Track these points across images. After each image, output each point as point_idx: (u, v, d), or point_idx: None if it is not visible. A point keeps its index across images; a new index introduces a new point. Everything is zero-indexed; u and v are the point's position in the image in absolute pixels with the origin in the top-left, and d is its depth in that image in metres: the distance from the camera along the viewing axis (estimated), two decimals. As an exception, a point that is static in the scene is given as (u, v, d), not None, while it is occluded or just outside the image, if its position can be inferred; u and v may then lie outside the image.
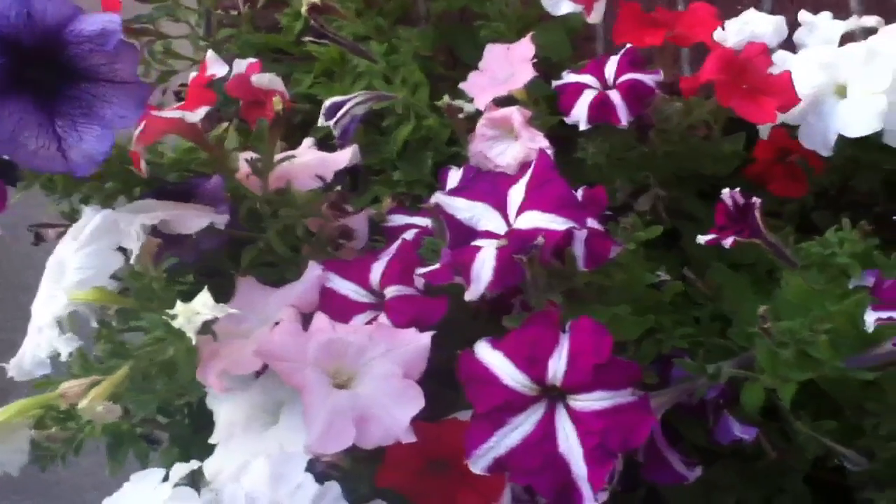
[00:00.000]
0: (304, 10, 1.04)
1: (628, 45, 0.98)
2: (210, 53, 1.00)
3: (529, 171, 0.82)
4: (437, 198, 0.83)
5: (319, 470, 0.77)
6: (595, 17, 1.04)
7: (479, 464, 0.72)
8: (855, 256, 0.85)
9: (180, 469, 0.77)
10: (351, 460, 0.80)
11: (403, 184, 1.11)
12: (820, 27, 1.12)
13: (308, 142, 1.03)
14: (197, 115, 0.90)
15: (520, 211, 0.80)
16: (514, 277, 0.76)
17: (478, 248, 0.78)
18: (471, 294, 0.75)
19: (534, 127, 0.96)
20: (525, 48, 0.99)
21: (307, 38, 1.10)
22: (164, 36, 1.25)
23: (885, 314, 0.74)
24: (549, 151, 0.93)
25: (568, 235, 0.77)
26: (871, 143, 1.06)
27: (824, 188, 1.27)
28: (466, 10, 1.21)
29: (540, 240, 0.75)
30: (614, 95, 0.94)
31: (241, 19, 1.24)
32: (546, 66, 1.14)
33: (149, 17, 1.23)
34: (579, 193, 0.91)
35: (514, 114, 0.96)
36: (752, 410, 0.86)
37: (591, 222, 0.86)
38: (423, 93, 1.12)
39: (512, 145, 0.97)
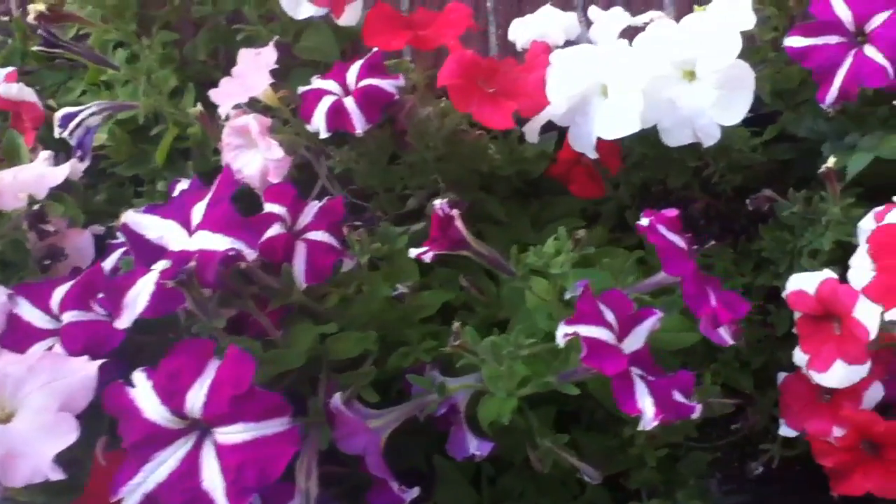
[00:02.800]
0: (31, 18, 0.98)
1: (374, 49, 0.92)
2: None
3: (213, 188, 0.76)
4: (127, 217, 0.78)
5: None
6: (347, 18, 0.98)
7: (128, 501, 0.67)
8: (579, 264, 0.80)
9: None
10: (37, 492, 0.74)
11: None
12: (607, 23, 1.07)
13: (44, 154, 0.97)
14: None
15: (196, 230, 0.74)
16: (174, 303, 0.71)
17: (143, 272, 0.72)
18: (120, 322, 0.70)
19: (271, 136, 0.90)
20: (267, 54, 0.94)
21: (37, 48, 1.04)
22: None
23: (571, 329, 0.69)
24: (283, 162, 0.88)
25: (230, 257, 0.72)
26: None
27: (645, 185, 1.23)
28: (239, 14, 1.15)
29: (192, 263, 0.69)
30: (349, 102, 0.89)
31: (14, 26, 1.18)
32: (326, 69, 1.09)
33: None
34: (317, 206, 0.86)
35: (251, 122, 0.91)
36: (486, 425, 0.81)
37: (321, 235, 0.81)
38: (188, 99, 1.06)
39: (256, 155, 0.92)
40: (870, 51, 0.96)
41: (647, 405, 0.68)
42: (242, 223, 0.73)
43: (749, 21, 1.01)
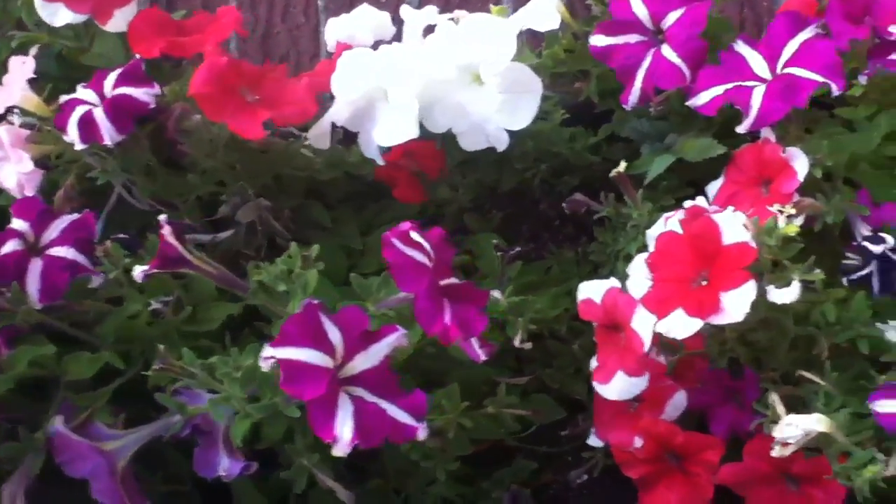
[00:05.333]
0: None
1: (136, 57, 0.89)
2: None
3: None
4: None
5: None
6: (115, 24, 0.95)
7: None
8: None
9: None
10: None
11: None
12: (417, 23, 1.04)
13: None
14: None
15: None
16: None
17: None
18: None
19: (28, 147, 0.88)
20: (29, 61, 0.91)
21: None
22: None
23: (270, 352, 0.66)
24: (34, 175, 0.85)
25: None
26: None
27: (488, 187, 1.21)
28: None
29: None
30: (98, 112, 0.86)
31: None
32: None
33: None
34: (67, 220, 0.84)
35: (2, 133, 0.88)
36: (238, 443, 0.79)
37: (63, 251, 0.79)
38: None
39: (13, 168, 0.89)
40: (666, 50, 0.93)
41: (344, 430, 0.66)
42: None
43: (553, 20, 0.98)
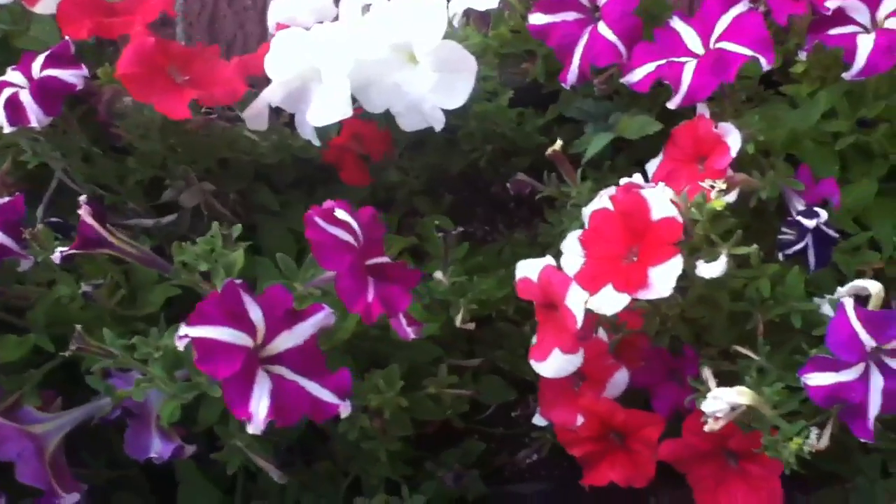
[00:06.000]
0: None
1: (65, 38, 0.89)
2: None
3: None
4: None
5: None
6: (44, 7, 0.95)
7: None
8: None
9: None
10: None
11: None
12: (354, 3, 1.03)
13: None
14: None
15: None
16: None
17: None
18: None
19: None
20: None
21: None
22: None
23: (185, 331, 0.66)
24: None
25: None
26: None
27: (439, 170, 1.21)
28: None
29: None
30: (24, 95, 0.86)
31: None
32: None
33: None
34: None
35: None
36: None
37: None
38: None
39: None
40: (602, 27, 0.93)
41: (260, 408, 0.66)
42: None
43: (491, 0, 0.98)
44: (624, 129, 0.96)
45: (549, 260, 0.89)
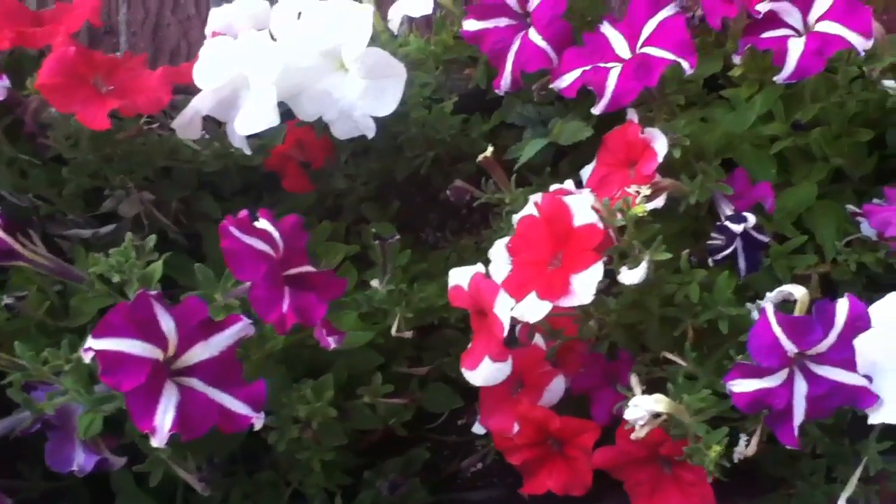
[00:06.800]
0: None
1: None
2: None
3: None
4: None
5: None
6: None
7: None
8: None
9: None
10: None
11: None
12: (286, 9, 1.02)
13: None
14: None
15: None
16: None
17: None
18: None
19: None
20: None
21: None
22: None
23: (94, 343, 0.65)
24: None
25: None
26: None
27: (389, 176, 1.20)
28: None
29: None
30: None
31: None
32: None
33: None
34: None
35: None
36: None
37: None
38: None
39: None
40: (532, 33, 0.93)
41: (165, 421, 0.66)
42: None
43: (426, 6, 0.98)
44: (557, 135, 0.96)
45: (479, 268, 0.89)
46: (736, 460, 0.83)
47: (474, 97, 1.15)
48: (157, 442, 0.66)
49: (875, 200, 0.93)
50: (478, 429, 0.99)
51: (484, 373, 0.87)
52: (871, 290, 0.91)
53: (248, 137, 1.01)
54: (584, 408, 0.96)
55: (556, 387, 0.94)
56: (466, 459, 1.09)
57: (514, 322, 0.84)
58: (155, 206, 1.08)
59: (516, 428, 0.94)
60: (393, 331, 0.96)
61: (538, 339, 0.96)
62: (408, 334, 0.97)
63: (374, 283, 0.98)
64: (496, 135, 1.15)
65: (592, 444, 0.91)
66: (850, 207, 0.95)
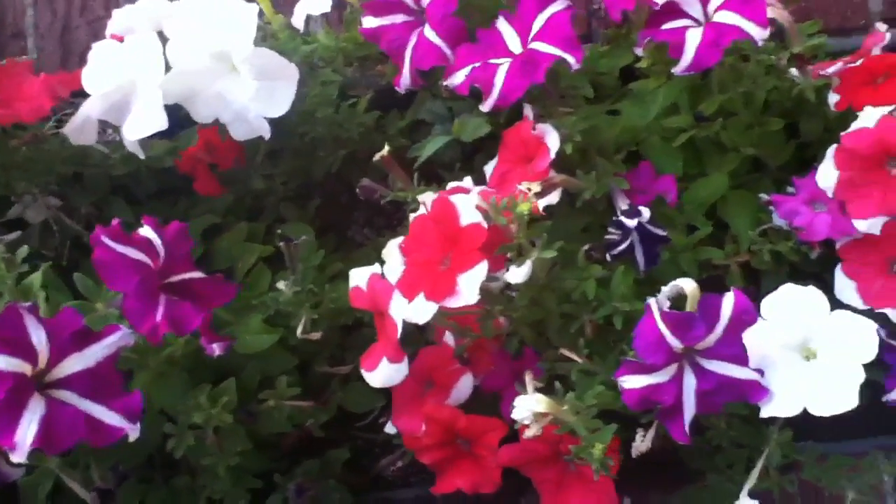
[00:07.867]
0: None
1: None
2: None
3: None
4: None
5: None
6: None
7: None
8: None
9: None
10: None
11: None
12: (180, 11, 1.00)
13: None
14: None
15: None
16: None
17: None
18: None
19: None
20: None
21: None
22: None
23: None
24: None
25: None
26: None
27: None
28: None
29: None
30: None
31: None
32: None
33: None
34: None
35: None
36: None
37: None
38: None
39: None
40: (427, 30, 0.91)
41: (26, 436, 0.65)
42: None
43: (325, 4, 0.96)
44: (458, 131, 0.95)
45: (375, 268, 0.88)
46: (634, 455, 0.83)
47: (391, 93, 1.14)
48: (18, 458, 0.65)
49: (790, 189, 0.92)
50: (390, 428, 0.98)
51: (382, 374, 0.86)
52: (794, 278, 0.91)
53: (160, 139, 1.00)
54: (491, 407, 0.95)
55: (464, 385, 0.94)
56: (385, 459, 1.08)
57: (409, 323, 0.83)
58: (66, 211, 1.08)
59: (423, 428, 0.93)
60: (298, 332, 0.95)
61: (448, 338, 0.96)
62: (315, 336, 0.97)
63: (281, 284, 0.97)
64: (415, 130, 1.14)
65: (498, 442, 0.90)
66: (763, 196, 0.95)
